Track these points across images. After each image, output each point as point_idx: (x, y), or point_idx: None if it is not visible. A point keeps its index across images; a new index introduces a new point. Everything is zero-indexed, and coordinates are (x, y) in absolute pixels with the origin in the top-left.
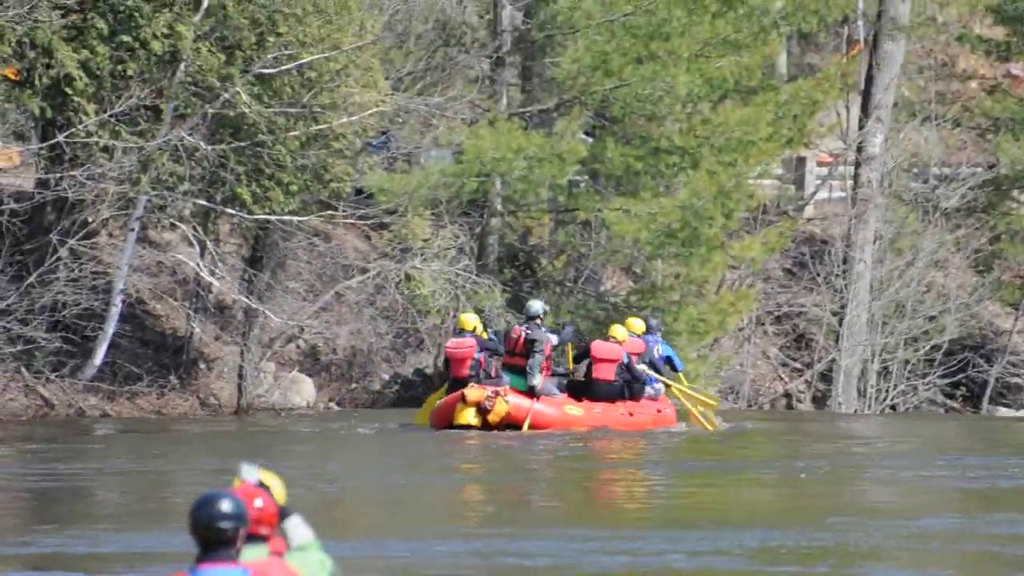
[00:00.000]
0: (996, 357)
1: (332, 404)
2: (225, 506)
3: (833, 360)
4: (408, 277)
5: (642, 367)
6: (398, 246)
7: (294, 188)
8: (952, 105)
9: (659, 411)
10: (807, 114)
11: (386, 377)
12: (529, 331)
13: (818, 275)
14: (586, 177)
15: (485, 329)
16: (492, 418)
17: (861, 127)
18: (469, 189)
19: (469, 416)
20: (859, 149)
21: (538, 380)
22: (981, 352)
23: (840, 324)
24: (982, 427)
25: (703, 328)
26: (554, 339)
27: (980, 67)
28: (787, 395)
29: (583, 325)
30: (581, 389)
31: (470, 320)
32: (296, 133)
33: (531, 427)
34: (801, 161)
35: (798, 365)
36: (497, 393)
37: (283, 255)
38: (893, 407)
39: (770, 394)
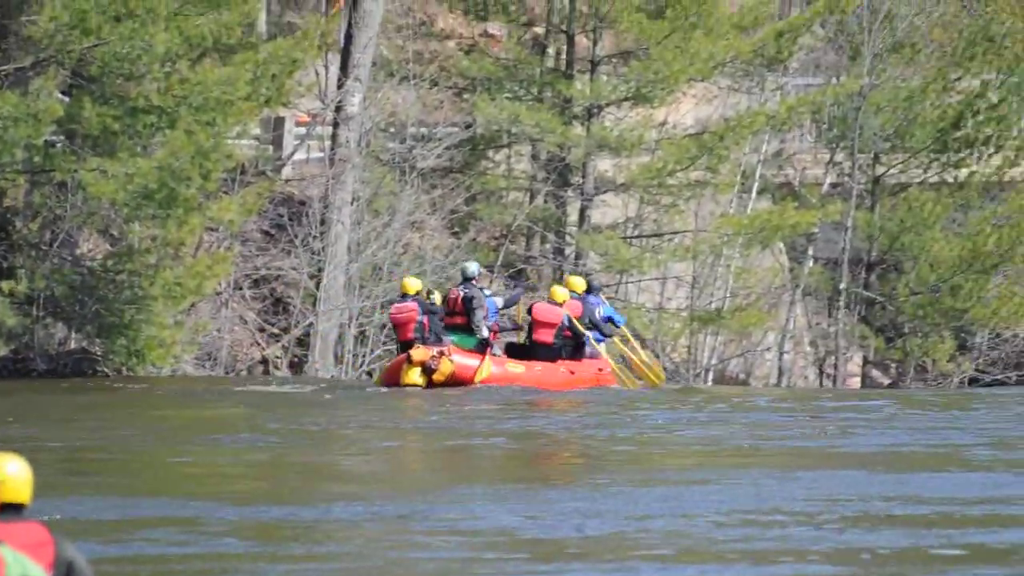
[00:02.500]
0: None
1: None
2: None
3: (311, 324)
4: None
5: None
6: None
7: None
8: (430, 65)
9: (600, 370)
10: (286, 73)
11: None
12: (466, 290)
13: (296, 237)
14: (62, 138)
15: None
16: (437, 377)
17: (340, 87)
18: None
19: (415, 376)
20: (338, 109)
21: (486, 332)
22: None
23: (318, 288)
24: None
25: (180, 292)
26: (499, 301)
27: (459, 26)
28: (264, 361)
29: (59, 291)
30: (523, 351)
31: (412, 284)
32: None
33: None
34: (280, 121)
35: (276, 330)
36: (442, 353)
37: None
38: (369, 373)
39: (248, 360)
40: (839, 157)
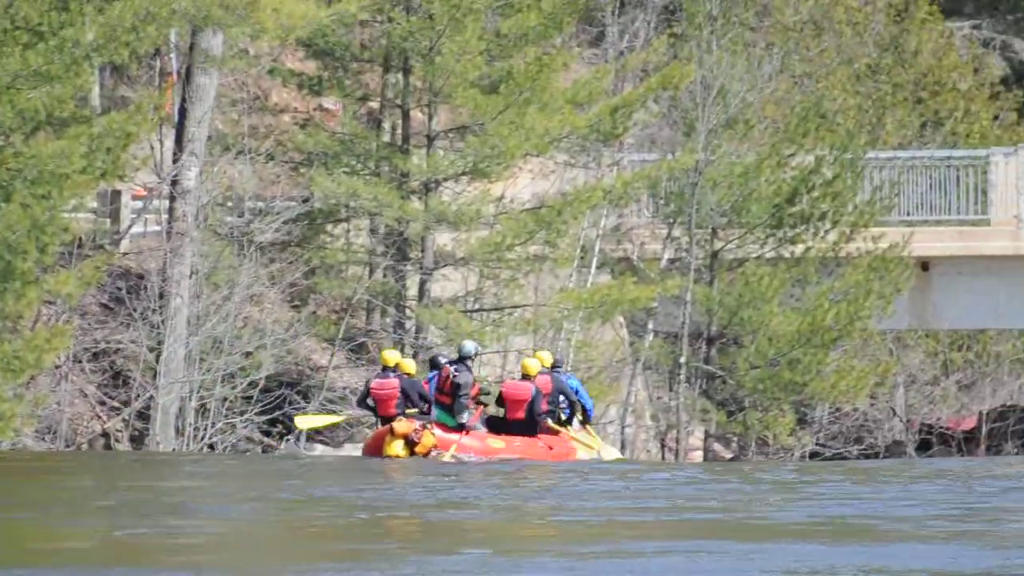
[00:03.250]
0: (313, 393)
1: None
2: None
3: (151, 398)
4: None
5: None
6: None
7: None
8: (265, 139)
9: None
10: (121, 147)
11: None
12: (456, 373)
13: (135, 310)
14: None
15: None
16: (419, 450)
17: (176, 160)
18: None
19: (397, 448)
20: (174, 183)
21: (466, 418)
22: (298, 388)
23: (157, 361)
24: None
25: (18, 365)
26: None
27: (293, 101)
28: (105, 434)
29: None
30: (501, 426)
31: (392, 356)
32: None
33: (454, 456)
34: (116, 194)
35: (116, 403)
36: (424, 426)
37: None
38: (211, 446)
39: (88, 433)
40: (677, 232)
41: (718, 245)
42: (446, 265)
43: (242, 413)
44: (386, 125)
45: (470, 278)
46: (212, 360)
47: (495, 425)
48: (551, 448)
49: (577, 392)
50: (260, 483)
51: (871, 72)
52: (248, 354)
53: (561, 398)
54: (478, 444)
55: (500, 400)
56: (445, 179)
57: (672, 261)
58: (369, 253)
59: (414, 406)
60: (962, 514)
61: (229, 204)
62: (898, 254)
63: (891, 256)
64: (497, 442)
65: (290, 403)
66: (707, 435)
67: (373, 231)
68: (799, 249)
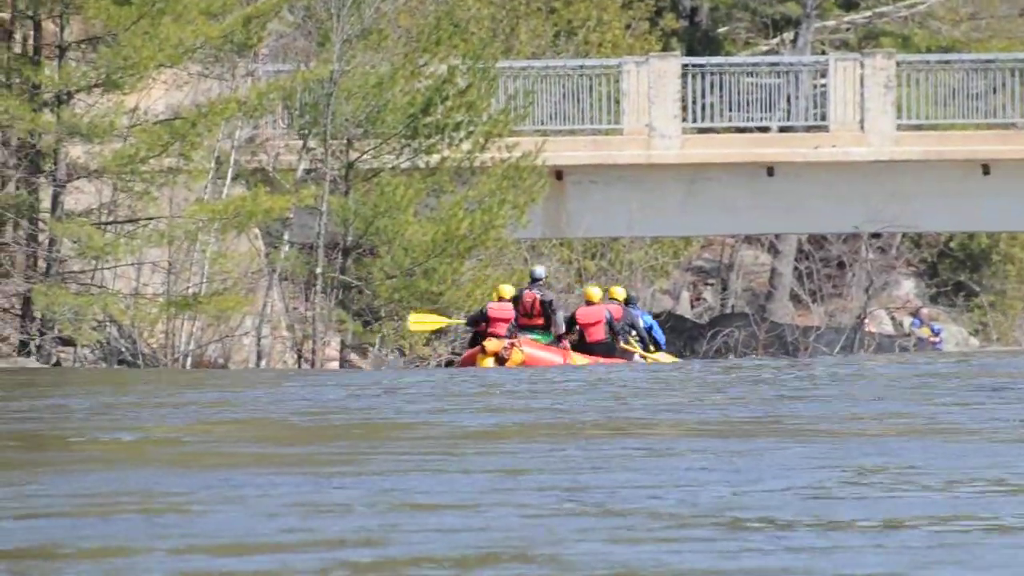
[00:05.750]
0: None
1: None
2: None
3: None
4: None
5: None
6: None
7: None
8: None
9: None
10: None
11: None
12: (540, 293)
13: None
14: None
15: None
16: (509, 366)
17: None
18: None
19: (488, 365)
20: None
21: (563, 328)
22: None
23: None
24: None
25: None
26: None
27: None
28: None
29: None
30: (583, 349)
31: (508, 290)
32: None
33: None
34: None
35: None
36: (513, 344)
37: None
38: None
39: None
40: (312, 143)
41: (353, 156)
42: (79, 178)
43: None
44: (17, 36)
45: (104, 191)
46: None
47: (576, 349)
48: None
49: (651, 328)
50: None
51: None
52: None
53: (633, 332)
54: (560, 360)
55: (573, 324)
56: (77, 91)
57: (308, 172)
58: (1, 166)
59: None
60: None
61: None
62: (532, 163)
63: (525, 165)
64: (582, 359)
65: None
66: (343, 345)
67: (5, 143)
68: (434, 159)
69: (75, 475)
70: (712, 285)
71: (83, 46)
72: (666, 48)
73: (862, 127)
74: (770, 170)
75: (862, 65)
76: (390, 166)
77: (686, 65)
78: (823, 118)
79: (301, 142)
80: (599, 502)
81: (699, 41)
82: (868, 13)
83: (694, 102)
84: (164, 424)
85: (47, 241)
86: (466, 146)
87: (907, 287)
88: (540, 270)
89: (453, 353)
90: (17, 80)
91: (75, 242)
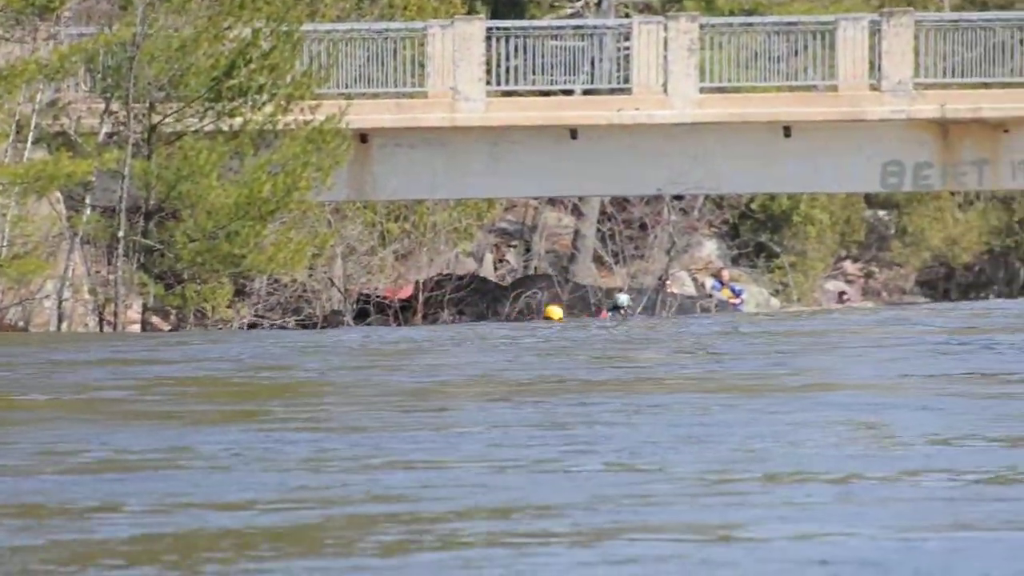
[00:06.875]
0: None
1: None
2: None
3: None
4: None
5: None
6: None
7: None
8: None
9: None
10: None
11: None
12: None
13: None
14: None
15: None
16: None
17: None
18: None
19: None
20: None
21: None
22: None
23: None
24: None
25: None
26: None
27: None
28: None
29: None
30: None
31: (557, 311)
32: None
33: None
34: None
35: None
36: None
37: None
38: None
39: None
40: (114, 106)
41: (156, 119)
42: None
43: None
44: None
45: None
46: None
47: None
48: None
49: None
50: None
51: None
52: None
53: None
54: None
55: None
56: None
57: (110, 135)
58: None
59: None
60: None
61: None
62: (336, 126)
63: (329, 128)
64: None
65: None
66: (145, 308)
67: None
68: (237, 122)
69: None
70: (515, 247)
71: None
72: (471, 11)
73: (665, 90)
74: (573, 133)
75: (666, 28)
76: (193, 129)
77: (491, 28)
78: (627, 81)
79: (103, 105)
80: None
81: (504, 4)
82: None
83: (498, 65)
84: None
85: None
86: (268, 109)
87: (709, 248)
88: (623, 298)
89: (256, 316)
90: None
91: None
